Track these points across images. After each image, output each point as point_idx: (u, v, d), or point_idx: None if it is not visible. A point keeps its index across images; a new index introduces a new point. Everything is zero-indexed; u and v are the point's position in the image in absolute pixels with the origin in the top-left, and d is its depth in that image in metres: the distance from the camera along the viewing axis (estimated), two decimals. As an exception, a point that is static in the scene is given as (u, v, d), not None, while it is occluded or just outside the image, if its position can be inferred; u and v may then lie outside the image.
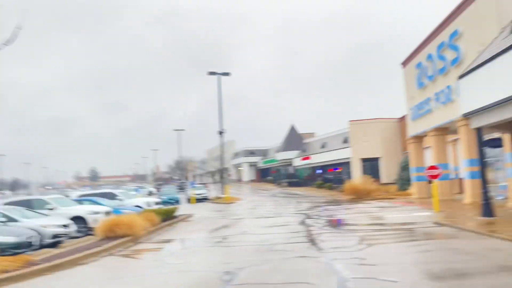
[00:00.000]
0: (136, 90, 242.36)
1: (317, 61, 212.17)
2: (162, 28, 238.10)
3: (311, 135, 67.23)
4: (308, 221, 16.70)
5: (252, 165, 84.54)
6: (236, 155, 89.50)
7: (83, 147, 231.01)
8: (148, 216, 16.44)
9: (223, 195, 39.11)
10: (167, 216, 19.04)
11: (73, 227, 14.31)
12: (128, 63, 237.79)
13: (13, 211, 13.70)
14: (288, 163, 65.66)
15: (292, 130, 67.93)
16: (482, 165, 13.88)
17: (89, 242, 12.70)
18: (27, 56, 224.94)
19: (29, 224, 12.75)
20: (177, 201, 38.56)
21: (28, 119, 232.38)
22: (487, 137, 24.28)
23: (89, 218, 15.59)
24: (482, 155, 13.76)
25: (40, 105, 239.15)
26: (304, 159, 60.09)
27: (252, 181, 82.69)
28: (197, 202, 39.23)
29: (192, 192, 39.39)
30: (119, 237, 13.16)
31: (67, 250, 11.40)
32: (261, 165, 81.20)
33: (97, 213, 16.15)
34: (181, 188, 57.74)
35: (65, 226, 13.77)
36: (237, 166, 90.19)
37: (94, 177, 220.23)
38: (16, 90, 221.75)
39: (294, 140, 66.42)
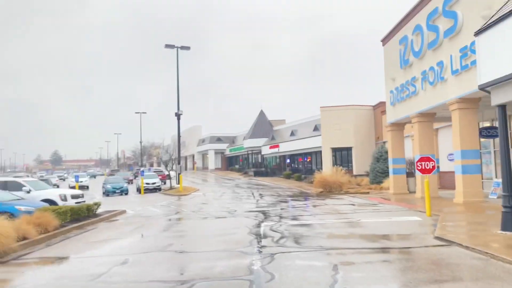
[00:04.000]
0: (104, 75, 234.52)
1: (290, 52, 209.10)
2: (131, 15, 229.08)
3: (281, 122, 63.16)
4: (264, 228, 12.51)
5: (219, 152, 79.92)
6: (202, 141, 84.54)
7: (47, 131, 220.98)
8: (42, 217, 11.81)
9: (177, 185, 34.58)
10: (79, 216, 14.45)
11: None
12: (96, 48, 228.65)
13: None
14: (256, 151, 61.54)
15: (261, 116, 63.64)
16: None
17: None
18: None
19: None
20: (123, 191, 33.85)
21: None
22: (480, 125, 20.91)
23: None
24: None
25: (3, 86, 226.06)
26: (273, 147, 56.08)
27: (218, 169, 78.19)
28: (147, 192, 34.62)
29: (142, 181, 34.61)
30: (-34, 255, 8.56)
31: None
32: (228, 152, 76.75)
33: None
34: (136, 176, 52.67)
35: None
36: (203, 153, 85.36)
37: (56, 160, 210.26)
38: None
39: (263, 127, 62.18)
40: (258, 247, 9.42)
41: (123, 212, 18.87)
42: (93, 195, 34.03)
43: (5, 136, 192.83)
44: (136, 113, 74.74)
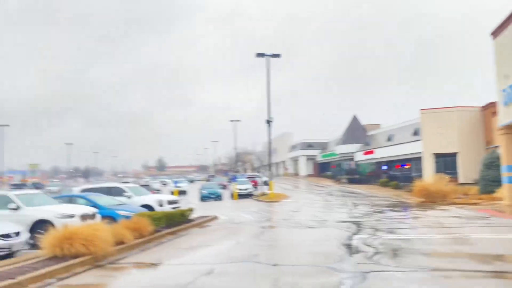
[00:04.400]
0: (202, 85, 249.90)
1: (380, 55, 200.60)
2: (224, 27, 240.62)
3: (375, 126, 60.29)
4: (356, 241, 11.64)
5: (310, 158, 79.00)
6: (293, 148, 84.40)
7: (152, 139, 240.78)
8: (138, 222, 12.36)
9: (269, 192, 34.66)
10: (173, 221, 14.91)
11: (23, 237, 10.58)
12: (193, 60, 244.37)
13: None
14: (349, 157, 59.47)
15: (354, 121, 61.43)
16: None
17: (17, 265, 8.72)
18: (102, 56, 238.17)
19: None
20: (217, 197, 34.88)
21: (104, 113, 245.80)
22: None
23: (58, 223, 11.78)
24: None
25: (114, 100, 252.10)
26: (367, 153, 53.70)
27: (310, 175, 77.26)
28: (240, 198, 35.21)
29: (235, 187, 35.35)
30: (69, 256, 9.14)
31: None
32: (320, 159, 75.47)
33: (70, 216, 12.34)
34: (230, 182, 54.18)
35: (8, 236, 10.07)
36: (294, 159, 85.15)
37: (161, 166, 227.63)
38: (93, 87, 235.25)
39: (356, 132, 59.96)
40: (349, 263, 8.67)
41: (215, 218, 19.21)
42: (190, 200, 35.62)
43: (118, 144, 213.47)
44: (231, 121, 77.48)
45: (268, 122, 37.22)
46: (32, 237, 11.37)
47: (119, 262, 9.67)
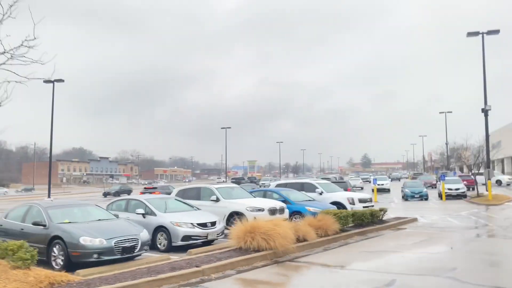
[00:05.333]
0: (408, 78, 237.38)
1: None
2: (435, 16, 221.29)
3: None
4: None
5: (548, 153, 64.34)
6: (525, 141, 70.27)
7: (357, 135, 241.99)
8: (323, 220, 12.05)
9: (486, 192, 29.58)
10: (363, 221, 14.02)
11: (219, 227, 11.58)
12: (399, 53, 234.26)
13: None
14: None
15: None
16: None
17: (207, 254, 9.49)
18: (306, 60, 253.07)
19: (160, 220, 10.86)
20: (422, 196, 31.80)
21: (310, 113, 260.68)
22: None
23: (249, 215, 12.52)
24: None
25: (319, 100, 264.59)
26: None
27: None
28: (449, 199, 31.20)
29: (444, 187, 31.48)
30: (251, 249, 9.50)
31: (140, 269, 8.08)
32: (562, 153, 60.64)
33: (259, 209, 12.93)
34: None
35: (205, 225, 11.19)
36: (526, 155, 70.82)
37: (366, 163, 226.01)
38: (300, 89, 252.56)
39: None
40: None
41: (414, 220, 17.34)
42: (392, 199, 33.66)
43: (324, 141, 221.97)
44: (440, 113, 70.28)
45: (485, 111, 31.87)
46: (228, 227, 12.42)
47: (297, 260, 9.54)
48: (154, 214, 11.35)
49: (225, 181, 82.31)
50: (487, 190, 29.83)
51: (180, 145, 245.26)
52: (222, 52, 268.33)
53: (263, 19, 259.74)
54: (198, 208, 12.48)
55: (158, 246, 11.10)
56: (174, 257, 9.48)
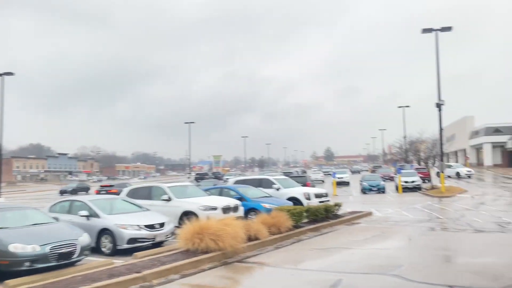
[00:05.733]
0: (370, 74, 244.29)
1: None
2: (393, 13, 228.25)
3: None
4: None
5: (497, 146, 67.55)
6: (476, 133, 73.48)
7: (321, 129, 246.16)
8: (277, 217, 11.87)
9: (439, 185, 30.59)
10: (317, 217, 13.99)
11: (168, 228, 11.16)
12: (361, 49, 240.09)
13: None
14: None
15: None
16: None
17: (151, 257, 9.06)
18: (272, 56, 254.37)
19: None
20: (379, 189, 32.48)
21: (276, 107, 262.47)
22: None
23: (201, 215, 12.15)
24: None
25: (285, 95, 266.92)
26: None
27: (496, 166, 66.16)
28: (406, 191, 32.04)
29: (400, 180, 32.30)
30: (199, 251, 9.17)
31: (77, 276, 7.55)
32: (510, 146, 63.89)
33: (212, 208, 12.61)
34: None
35: (153, 227, 10.74)
36: (477, 147, 74.16)
37: (329, 156, 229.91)
38: (266, 84, 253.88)
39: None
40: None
41: (369, 214, 17.57)
42: (351, 192, 34.24)
43: (289, 135, 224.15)
44: (399, 107, 72.18)
45: (438, 105, 32.83)
46: (180, 227, 12.00)
47: (247, 261, 9.30)
48: (98, 216, 10.78)
49: (189, 176, 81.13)
50: (440, 183, 30.86)
51: (144, 141, 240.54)
52: (187, 46, 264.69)
53: (229, 14, 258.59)
54: (147, 209, 11.99)
55: (103, 250, 10.56)
56: (119, 261, 9.01)
